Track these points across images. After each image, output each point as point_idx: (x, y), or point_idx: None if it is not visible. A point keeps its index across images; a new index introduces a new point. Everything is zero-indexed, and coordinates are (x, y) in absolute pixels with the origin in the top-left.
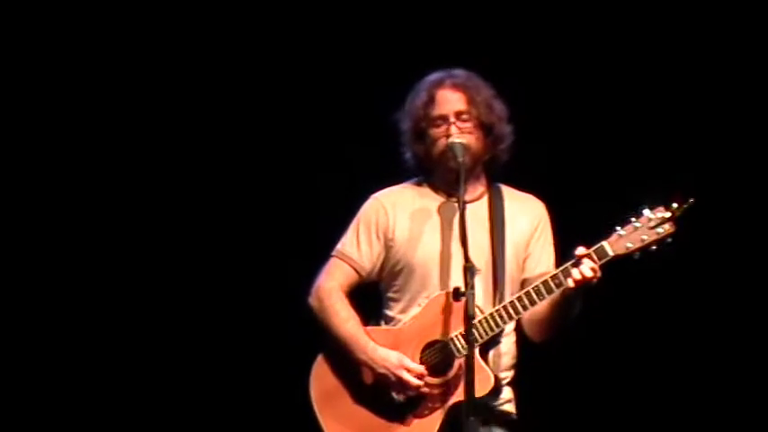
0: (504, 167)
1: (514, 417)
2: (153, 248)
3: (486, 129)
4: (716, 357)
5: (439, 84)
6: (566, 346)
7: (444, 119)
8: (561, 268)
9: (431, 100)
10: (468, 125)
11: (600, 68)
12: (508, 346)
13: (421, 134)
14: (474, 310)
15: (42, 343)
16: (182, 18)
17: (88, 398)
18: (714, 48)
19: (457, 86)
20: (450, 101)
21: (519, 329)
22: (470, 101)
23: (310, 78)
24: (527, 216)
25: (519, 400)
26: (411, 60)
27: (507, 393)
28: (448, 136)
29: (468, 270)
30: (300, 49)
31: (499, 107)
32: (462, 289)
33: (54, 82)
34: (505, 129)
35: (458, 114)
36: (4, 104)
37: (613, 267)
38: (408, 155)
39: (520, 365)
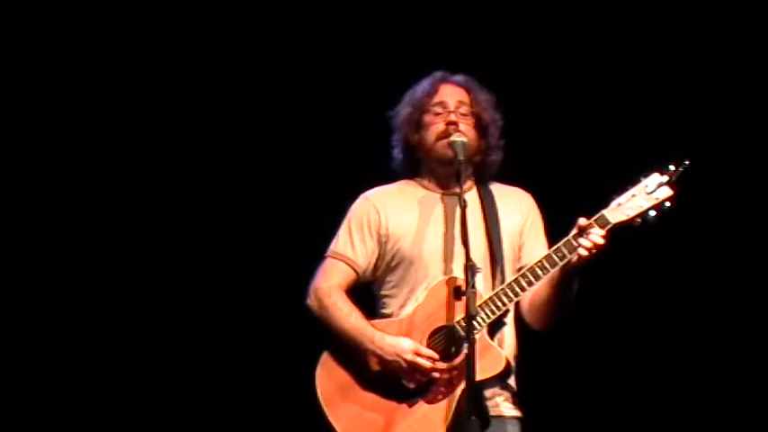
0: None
1: (520, 413)
2: (149, 252)
3: (482, 129)
4: (720, 352)
5: (444, 78)
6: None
7: (444, 106)
8: (563, 241)
9: (435, 90)
10: (467, 119)
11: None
12: (509, 337)
13: (418, 122)
14: (476, 309)
15: (47, 345)
16: (178, 18)
17: (94, 400)
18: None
19: (462, 84)
20: (454, 93)
21: (518, 323)
22: (473, 99)
23: (303, 81)
24: (517, 205)
25: (522, 395)
26: (404, 67)
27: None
28: (447, 123)
29: (470, 269)
30: (297, 54)
31: (497, 116)
32: (463, 288)
33: (53, 82)
34: (498, 140)
35: (459, 105)
36: (3, 104)
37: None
38: (398, 148)
39: (521, 362)
